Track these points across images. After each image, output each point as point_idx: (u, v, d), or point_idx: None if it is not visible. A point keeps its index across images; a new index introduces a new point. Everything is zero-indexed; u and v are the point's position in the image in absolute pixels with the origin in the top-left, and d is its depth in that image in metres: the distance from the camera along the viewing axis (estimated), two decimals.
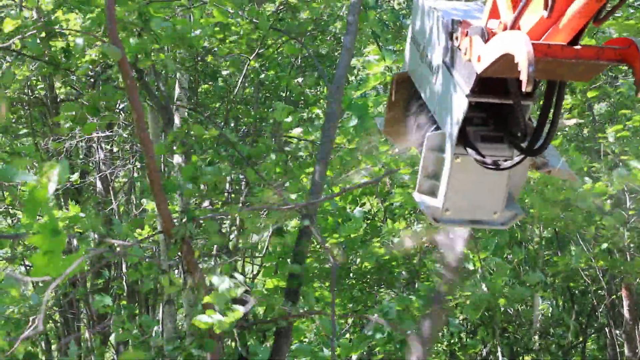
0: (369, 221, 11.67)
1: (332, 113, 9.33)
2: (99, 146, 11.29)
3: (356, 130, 10.15)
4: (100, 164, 11.45)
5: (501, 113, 3.66)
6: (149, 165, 7.52)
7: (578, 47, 3.04)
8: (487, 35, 3.27)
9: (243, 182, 11.40)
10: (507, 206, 3.77)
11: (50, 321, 11.74)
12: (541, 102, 3.46)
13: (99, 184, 11.85)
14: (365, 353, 12.40)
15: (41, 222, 2.93)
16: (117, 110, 11.20)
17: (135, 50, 8.00)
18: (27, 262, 11.61)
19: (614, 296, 12.34)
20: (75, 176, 10.71)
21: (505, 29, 3.18)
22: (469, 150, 3.55)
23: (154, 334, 9.97)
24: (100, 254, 9.98)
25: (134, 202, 12.57)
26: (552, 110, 3.41)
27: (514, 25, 3.15)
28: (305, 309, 8.97)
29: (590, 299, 13.50)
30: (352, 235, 10.67)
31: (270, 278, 10.81)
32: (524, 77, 2.84)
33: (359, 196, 10.96)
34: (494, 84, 3.47)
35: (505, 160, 3.56)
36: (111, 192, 11.84)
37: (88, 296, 11.22)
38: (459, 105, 3.50)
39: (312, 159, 10.60)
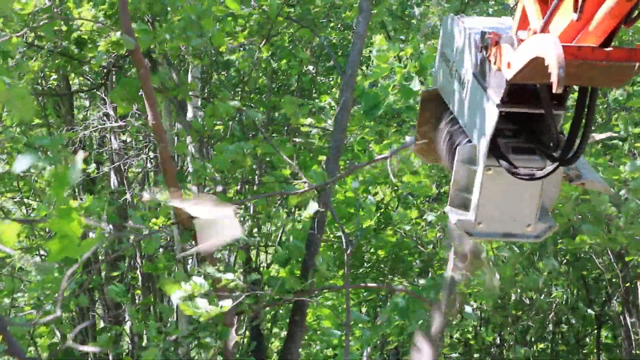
0: (381, 210, 11.68)
1: (345, 101, 9.33)
2: (112, 136, 11.32)
3: (367, 118, 10.17)
4: (114, 154, 11.48)
5: (532, 125, 3.65)
6: (162, 155, 7.54)
7: (609, 49, 2.99)
8: (516, 44, 3.25)
9: (256, 172, 11.41)
10: (540, 218, 3.74)
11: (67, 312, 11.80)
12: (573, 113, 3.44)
13: (112, 175, 11.88)
14: (378, 342, 12.45)
15: (58, 208, 2.96)
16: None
17: (146, 36, 8.00)
18: (42, 252, 11.68)
19: (629, 284, 12.32)
20: (92, 167, 10.76)
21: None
22: (501, 161, 3.54)
23: (169, 324, 10.02)
24: (114, 244, 10.04)
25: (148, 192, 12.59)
26: (584, 119, 3.36)
27: (544, 31, 3.11)
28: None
29: (605, 287, 13.48)
30: (364, 225, 10.68)
31: (282, 267, 10.81)
32: (554, 78, 2.80)
33: (371, 185, 10.95)
34: (525, 94, 3.46)
35: (538, 171, 3.54)
36: (125, 183, 11.86)
37: (103, 286, 11.27)
38: (490, 116, 3.50)
39: (325, 148, 10.61)
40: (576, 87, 3.44)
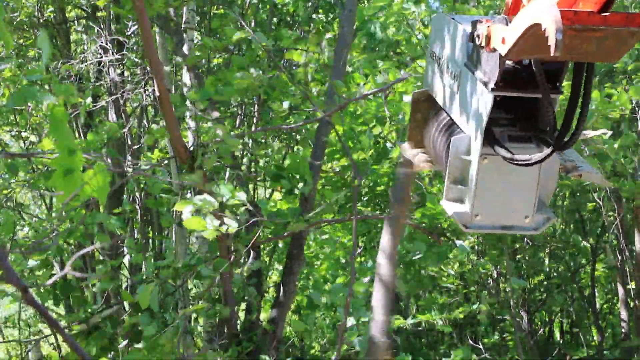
0: (379, 144, 11.68)
1: (344, 36, 9.28)
2: (109, 69, 11.26)
3: (368, 43, 10.11)
4: (112, 87, 11.44)
5: (527, 113, 3.60)
6: (159, 88, 7.49)
7: (606, 14, 2.88)
8: (509, 24, 3.14)
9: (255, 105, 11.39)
10: (538, 210, 3.66)
11: (65, 244, 11.89)
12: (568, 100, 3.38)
13: (110, 109, 11.87)
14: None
15: (57, 142, 2.96)
16: (128, 34, 11.18)
17: None
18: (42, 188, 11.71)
19: (625, 214, 12.35)
20: (88, 100, 10.73)
21: None
22: (497, 147, 3.47)
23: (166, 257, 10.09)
24: (113, 179, 10.05)
25: (146, 126, 12.59)
26: (581, 100, 3.27)
27: None
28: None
29: (601, 219, 13.54)
30: (361, 157, 10.69)
31: (286, 195, 10.79)
32: (552, 41, 2.69)
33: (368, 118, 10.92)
34: (519, 80, 3.41)
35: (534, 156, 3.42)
36: (123, 116, 11.85)
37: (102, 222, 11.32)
38: (484, 101, 3.43)
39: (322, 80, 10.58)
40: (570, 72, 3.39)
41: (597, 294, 14.54)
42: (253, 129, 11.11)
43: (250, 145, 11.35)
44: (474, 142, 3.55)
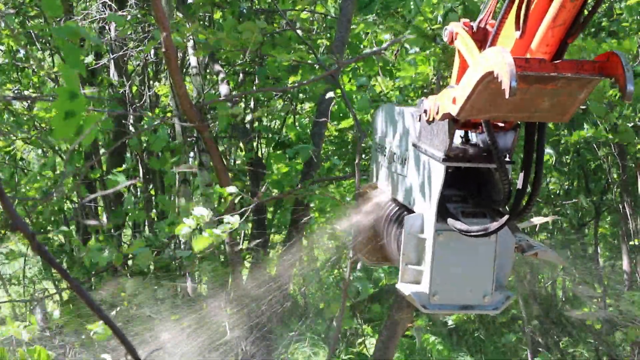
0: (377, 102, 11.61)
1: None
2: (111, 27, 11.15)
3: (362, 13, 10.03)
4: (114, 45, 11.33)
5: (479, 189, 3.60)
6: (165, 43, 7.41)
7: (557, 62, 2.88)
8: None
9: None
10: (496, 290, 3.66)
11: (69, 202, 11.90)
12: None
13: (112, 67, 11.78)
14: None
15: (59, 87, 2.94)
16: None
17: None
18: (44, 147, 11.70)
19: (629, 171, 12.31)
20: (89, 58, 10.66)
21: None
22: (452, 221, 3.45)
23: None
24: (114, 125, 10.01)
25: (147, 84, 12.50)
26: (534, 166, 3.29)
27: None
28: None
29: (605, 177, 13.51)
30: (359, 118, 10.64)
31: (281, 163, 10.77)
32: (506, 85, 2.67)
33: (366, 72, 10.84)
34: (469, 154, 3.42)
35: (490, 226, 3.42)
36: (124, 75, 11.77)
37: (104, 178, 11.30)
38: (436, 175, 3.42)
39: (327, 35, 10.50)
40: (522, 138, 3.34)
41: (599, 252, 14.55)
42: (254, 88, 11.06)
43: (252, 104, 11.31)
44: (428, 218, 3.52)
